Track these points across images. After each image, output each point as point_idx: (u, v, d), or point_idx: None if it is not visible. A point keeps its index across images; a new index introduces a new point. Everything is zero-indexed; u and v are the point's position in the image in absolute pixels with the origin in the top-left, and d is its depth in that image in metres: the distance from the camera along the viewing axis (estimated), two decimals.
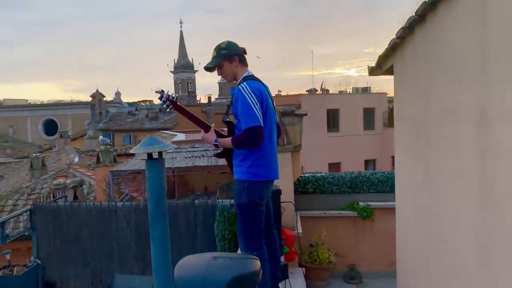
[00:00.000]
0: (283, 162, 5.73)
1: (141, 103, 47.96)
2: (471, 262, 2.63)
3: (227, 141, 2.98)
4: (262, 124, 2.88)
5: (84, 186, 9.42)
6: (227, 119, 3.16)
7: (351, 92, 32.57)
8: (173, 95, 2.97)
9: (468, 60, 2.57)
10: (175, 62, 51.80)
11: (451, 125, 2.86)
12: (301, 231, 5.87)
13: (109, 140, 14.53)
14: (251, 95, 2.88)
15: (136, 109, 37.99)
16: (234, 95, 3.00)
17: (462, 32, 2.68)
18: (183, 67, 51.05)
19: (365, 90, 33.07)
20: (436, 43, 3.16)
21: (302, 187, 6.83)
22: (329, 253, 6.31)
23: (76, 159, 15.66)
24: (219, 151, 3.23)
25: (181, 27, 64.81)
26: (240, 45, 3.18)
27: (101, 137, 15.51)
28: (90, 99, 37.37)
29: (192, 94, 50.16)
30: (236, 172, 3.12)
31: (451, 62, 2.89)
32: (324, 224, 6.50)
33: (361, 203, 6.72)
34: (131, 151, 1.86)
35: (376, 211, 6.65)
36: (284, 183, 5.50)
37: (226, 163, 3.28)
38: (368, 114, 27.54)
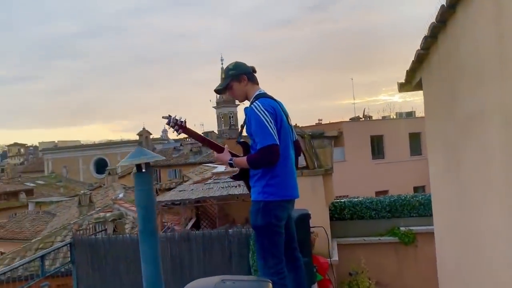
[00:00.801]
0: (314, 186, 5.58)
1: (187, 139, 49.06)
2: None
3: (243, 160, 2.90)
4: (278, 143, 2.79)
5: (124, 219, 9.56)
6: (242, 140, 3.09)
7: (395, 117, 31.83)
8: (181, 119, 2.92)
9: (488, 62, 2.38)
10: (217, 98, 53.07)
11: (477, 132, 2.64)
12: (337, 258, 5.60)
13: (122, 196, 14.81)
14: (264, 113, 2.81)
15: (181, 145, 38.89)
16: (247, 115, 2.94)
17: (480, 32, 2.50)
18: (225, 102, 52.27)
19: (410, 114, 32.25)
20: (458, 48, 2.98)
21: (339, 213, 6.58)
22: (370, 281, 5.96)
23: (121, 195, 16.06)
24: (236, 174, 3.16)
25: (222, 64, 66.38)
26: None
27: (121, 195, 15.84)
28: (138, 137, 38.74)
29: (234, 127, 50.98)
30: (252, 192, 3.02)
31: (472, 65, 2.70)
32: (363, 252, 6.17)
33: (402, 228, 6.36)
34: (118, 164, 1.80)
35: (419, 236, 6.26)
36: (316, 208, 5.31)
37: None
38: (414, 139, 26.63)
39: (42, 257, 6.48)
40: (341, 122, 27.52)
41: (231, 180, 12.65)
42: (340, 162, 23.97)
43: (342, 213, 6.56)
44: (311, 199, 5.45)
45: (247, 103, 3.08)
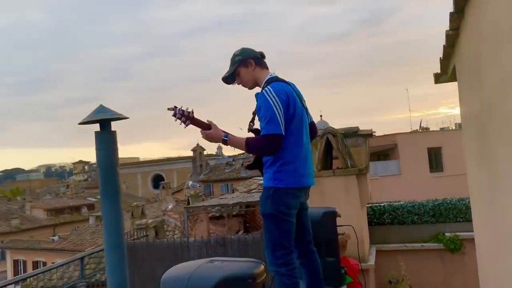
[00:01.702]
0: (347, 186, 5.33)
1: (241, 154, 49.58)
2: None
3: (240, 140, 2.74)
4: (283, 133, 2.66)
5: (165, 225, 9.68)
6: (254, 128, 2.96)
7: (454, 128, 30.26)
8: (187, 109, 2.64)
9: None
10: None
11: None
12: (373, 263, 5.28)
13: (198, 185, 15.01)
14: (275, 99, 2.67)
15: (233, 160, 39.27)
16: (257, 100, 2.82)
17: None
18: None
19: None
20: (484, 20, 2.71)
21: (378, 217, 6.24)
22: None
23: (170, 206, 16.36)
24: (250, 163, 3.03)
25: None
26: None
27: (190, 182, 16.14)
28: (192, 153, 39.61)
29: None
30: (264, 179, 2.88)
31: (496, 38, 2.42)
32: (404, 258, 5.77)
33: (447, 234, 5.91)
34: (79, 122, 1.75)
35: (466, 243, 5.77)
36: (350, 209, 5.06)
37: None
38: None
39: (82, 259, 6.67)
40: (396, 134, 26.50)
41: None
42: (395, 176, 23.07)
43: (381, 218, 6.22)
44: (343, 199, 5.21)
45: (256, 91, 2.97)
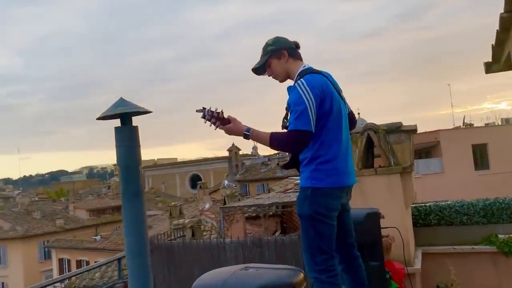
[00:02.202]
0: (390, 186, 5.03)
1: (277, 154, 49.42)
2: None
3: (264, 134, 2.51)
4: (313, 130, 2.44)
5: (202, 226, 9.62)
6: (288, 124, 2.76)
7: (500, 124, 28.88)
8: (217, 110, 2.49)
9: None
10: None
11: None
12: (419, 267, 4.96)
13: (233, 185, 14.94)
14: (307, 92, 2.46)
15: (268, 160, 39.13)
16: (289, 94, 2.62)
17: None
18: None
19: None
20: None
21: (424, 218, 5.89)
22: None
23: (207, 206, 16.39)
24: (286, 162, 2.84)
25: None
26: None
27: (226, 182, 16.12)
28: (228, 153, 39.79)
29: None
30: (300, 178, 2.68)
31: None
32: (453, 262, 5.40)
33: (501, 236, 5.48)
34: (97, 117, 1.60)
35: None
36: (393, 209, 4.77)
37: None
38: None
39: (119, 260, 6.66)
40: (438, 131, 25.52)
41: None
42: (438, 174, 22.24)
43: (427, 219, 5.86)
44: (386, 199, 4.92)
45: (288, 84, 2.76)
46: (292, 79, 2.68)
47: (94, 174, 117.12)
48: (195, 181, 50.07)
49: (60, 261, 29.91)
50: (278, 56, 2.69)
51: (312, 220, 2.54)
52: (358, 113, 21.68)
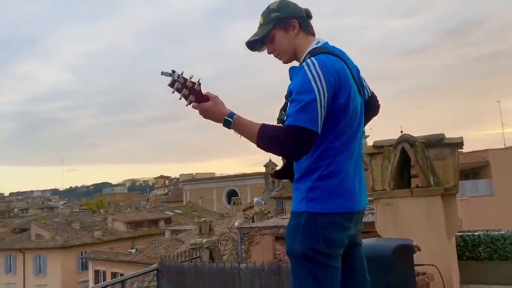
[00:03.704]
0: (429, 210, 4.18)
1: None
2: None
3: (252, 125, 1.78)
4: (319, 131, 1.70)
5: (226, 244, 8.93)
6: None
7: None
8: (191, 78, 1.79)
9: None
10: None
11: None
12: None
13: (263, 202, 14.23)
14: (319, 77, 1.71)
15: None
16: (293, 76, 1.86)
17: None
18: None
19: None
20: None
21: (471, 250, 4.96)
22: None
23: (236, 223, 15.76)
24: (278, 170, 2.10)
25: None
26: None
27: (256, 199, 15.39)
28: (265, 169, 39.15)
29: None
30: (292, 199, 1.94)
31: None
32: None
33: None
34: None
35: None
36: (433, 240, 3.93)
37: None
38: None
39: (123, 282, 6.09)
40: (487, 150, 23.77)
41: (370, 209, 11.28)
42: (487, 197, 20.62)
43: (476, 251, 4.93)
44: (424, 228, 4.07)
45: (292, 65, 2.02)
46: (298, 60, 1.94)
47: (135, 187, 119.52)
48: (231, 196, 49.72)
49: (96, 272, 30.12)
50: (285, 26, 1.94)
51: (307, 261, 1.79)
52: (401, 131, 20.51)
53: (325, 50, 1.86)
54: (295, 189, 1.89)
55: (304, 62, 1.78)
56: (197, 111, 1.86)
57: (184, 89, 1.76)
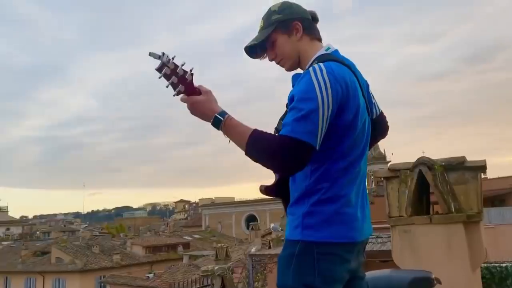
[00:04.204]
0: (450, 239, 3.88)
1: None
2: None
3: (243, 129, 1.58)
4: (317, 146, 1.50)
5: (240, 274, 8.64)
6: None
7: None
8: (183, 66, 1.59)
9: None
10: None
11: None
12: None
13: (280, 229, 13.94)
14: (326, 87, 1.51)
15: None
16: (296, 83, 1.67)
17: None
18: (375, 159, 49.69)
19: None
20: None
21: (498, 283, 4.60)
22: None
23: (253, 250, 15.43)
24: (270, 185, 1.87)
25: None
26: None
27: (272, 225, 15.10)
28: None
29: (381, 183, 47.74)
30: (286, 224, 1.73)
31: None
32: None
33: None
34: None
35: None
36: (455, 272, 3.62)
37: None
38: None
39: None
40: None
41: (381, 236, 10.84)
42: None
43: (503, 284, 4.57)
44: (445, 258, 3.77)
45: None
46: (303, 68, 1.75)
47: (156, 211, 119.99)
48: (250, 221, 49.23)
49: None
50: (287, 29, 1.75)
51: None
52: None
53: (335, 58, 1.67)
54: (290, 213, 1.68)
55: (311, 67, 1.59)
56: (185, 105, 1.68)
57: (174, 76, 1.58)
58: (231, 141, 1.62)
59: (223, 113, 1.62)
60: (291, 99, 1.58)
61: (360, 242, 1.66)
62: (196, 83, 1.67)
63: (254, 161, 1.56)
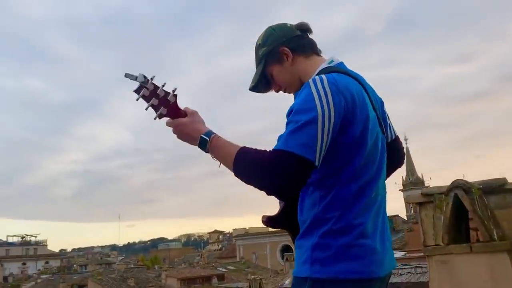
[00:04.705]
0: (494, 270, 3.50)
1: None
2: None
3: (230, 148, 1.42)
4: (316, 163, 1.29)
5: None
6: None
7: None
8: (164, 87, 1.48)
9: None
10: (403, 179, 49.45)
11: None
12: None
13: None
14: (327, 97, 1.33)
15: None
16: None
17: None
18: (413, 184, 48.22)
19: None
20: None
21: None
22: None
23: (286, 282, 14.95)
24: (273, 216, 1.67)
25: (406, 143, 62.68)
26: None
27: None
28: None
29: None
30: (295, 258, 1.51)
31: None
32: None
33: None
34: None
35: None
36: None
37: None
38: None
39: None
40: None
41: (421, 266, 10.32)
42: None
43: None
44: None
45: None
46: None
47: (190, 242, 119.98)
48: (285, 252, 48.29)
49: None
50: (277, 59, 1.62)
51: None
52: None
53: (340, 70, 1.49)
54: (298, 246, 1.46)
55: (310, 79, 1.42)
56: (170, 129, 1.54)
57: (154, 98, 1.44)
58: (221, 164, 1.45)
59: (209, 133, 1.47)
60: (289, 113, 1.40)
61: (380, 278, 1.42)
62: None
63: (244, 182, 1.37)
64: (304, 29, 1.66)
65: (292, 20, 1.70)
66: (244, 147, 1.39)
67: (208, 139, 1.45)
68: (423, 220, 3.91)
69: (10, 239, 69.40)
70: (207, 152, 1.46)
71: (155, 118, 1.48)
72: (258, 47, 1.66)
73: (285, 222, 1.60)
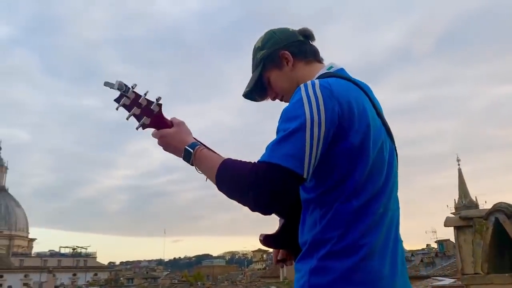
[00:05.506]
0: None
1: (424, 249, 45.05)
2: None
3: (214, 160, 1.32)
4: (304, 174, 1.18)
5: None
6: None
7: None
8: (146, 95, 1.40)
9: None
10: (456, 202, 47.34)
11: None
12: None
13: None
14: (318, 102, 1.22)
15: (412, 255, 34.82)
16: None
17: None
18: (466, 207, 46.03)
19: None
20: None
21: None
22: None
23: None
24: (271, 235, 1.52)
25: (458, 165, 60.03)
26: None
27: None
28: None
29: None
30: (295, 282, 1.39)
31: None
32: None
33: None
34: None
35: None
36: None
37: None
38: None
39: None
40: None
41: None
42: None
43: None
44: None
45: None
46: None
47: (234, 260, 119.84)
48: None
49: None
50: (276, 63, 1.51)
51: None
52: None
53: (338, 75, 1.38)
54: (297, 270, 1.34)
55: (302, 84, 1.31)
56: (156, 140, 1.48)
57: (135, 107, 1.38)
58: (207, 178, 1.36)
59: (194, 144, 1.38)
60: (279, 118, 1.30)
61: None
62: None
63: (228, 196, 1.27)
64: (307, 34, 1.56)
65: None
66: (228, 159, 1.30)
67: (192, 151, 1.36)
68: (461, 246, 3.60)
69: (63, 250, 72.31)
70: (191, 165, 1.38)
71: (137, 128, 1.42)
72: (256, 50, 1.57)
73: (284, 242, 1.49)
